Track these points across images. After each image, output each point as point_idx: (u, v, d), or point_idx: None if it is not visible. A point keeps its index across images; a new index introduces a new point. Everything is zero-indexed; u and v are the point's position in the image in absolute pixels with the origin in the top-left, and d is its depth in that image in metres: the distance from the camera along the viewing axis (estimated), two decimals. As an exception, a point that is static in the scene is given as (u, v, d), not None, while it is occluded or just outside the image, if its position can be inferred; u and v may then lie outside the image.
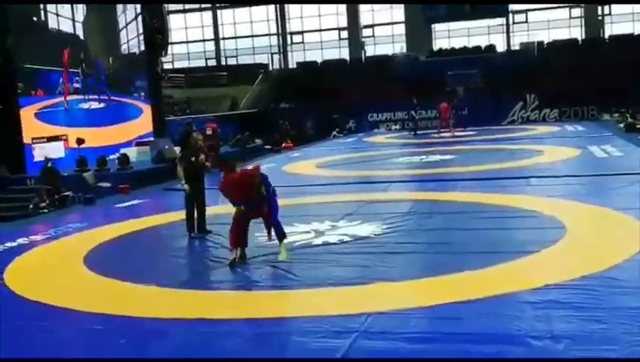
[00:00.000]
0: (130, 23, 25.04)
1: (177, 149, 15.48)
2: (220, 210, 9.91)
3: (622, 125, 23.72)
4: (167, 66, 34.55)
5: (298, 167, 18.22)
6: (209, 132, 18.17)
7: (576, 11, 37.26)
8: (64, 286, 7.34)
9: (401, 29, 39.17)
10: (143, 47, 24.51)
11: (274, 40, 41.49)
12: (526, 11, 37.65)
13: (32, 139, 18.85)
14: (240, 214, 7.71)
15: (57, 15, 21.93)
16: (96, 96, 22.25)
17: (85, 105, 21.92)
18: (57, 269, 8.23)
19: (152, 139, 22.43)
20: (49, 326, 6.06)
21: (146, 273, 7.62)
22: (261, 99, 35.77)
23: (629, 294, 5.70)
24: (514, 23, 37.86)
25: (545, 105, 30.94)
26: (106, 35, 24.79)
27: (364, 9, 39.69)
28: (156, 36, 23.35)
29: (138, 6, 24.17)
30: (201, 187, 9.73)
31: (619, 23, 36.39)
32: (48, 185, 15.57)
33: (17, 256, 9.00)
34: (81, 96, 21.73)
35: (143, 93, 24.76)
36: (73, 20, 22.53)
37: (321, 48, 40.67)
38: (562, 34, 36.69)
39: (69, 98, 20.95)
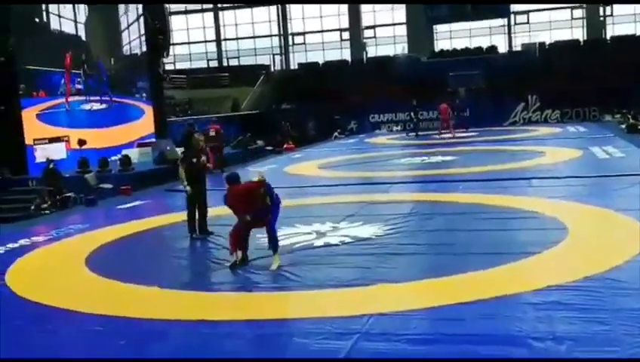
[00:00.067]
0: (132, 24, 25.10)
1: (179, 150, 15.46)
2: (221, 211, 9.89)
3: (623, 126, 23.71)
4: (168, 67, 34.57)
5: (300, 168, 18.21)
6: (212, 133, 18.11)
7: (578, 12, 37.26)
8: (65, 288, 7.33)
9: (402, 30, 39.21)
10: (144, 48, 24.56)
11: (275, 41, 41.54)
12: (528, 12, 37.65)
13: (34, 140, 18.89)
14: (244, 223, 7.67)
15: (59, 16, 21.97)
16: (97, 97, 22.29)
17: (87, 107, 21.94)
18: (59, 270, 8.23)
19: (153, 140, 22.41)
20: (50, 327, 6.05)
21: (148, 274, 7.60)
22: (263, 100, 35.78)
23: (631, 295, 5.69)
24: (516, 23, 37.86)
25: (546, 106, 30.93)
26: (108, 36, 24.84)
27: (365, 10, 39.70)
28: (158, 37, 23.36)
29: (140, 7, 24.20)
30: (203, 188, 9.72)
31: (621, 23, 36.38)
32: (50, 187, 15.60)
33: (19, 257, 9.00)
34: (82, 97, 21.75)
35: (144, 94, 24.77)
36: (75, 21, 22.56)
37: (323, 49, 40.69)
38: (564, 35, 36.70)
39: (70, 99, 20.97)
